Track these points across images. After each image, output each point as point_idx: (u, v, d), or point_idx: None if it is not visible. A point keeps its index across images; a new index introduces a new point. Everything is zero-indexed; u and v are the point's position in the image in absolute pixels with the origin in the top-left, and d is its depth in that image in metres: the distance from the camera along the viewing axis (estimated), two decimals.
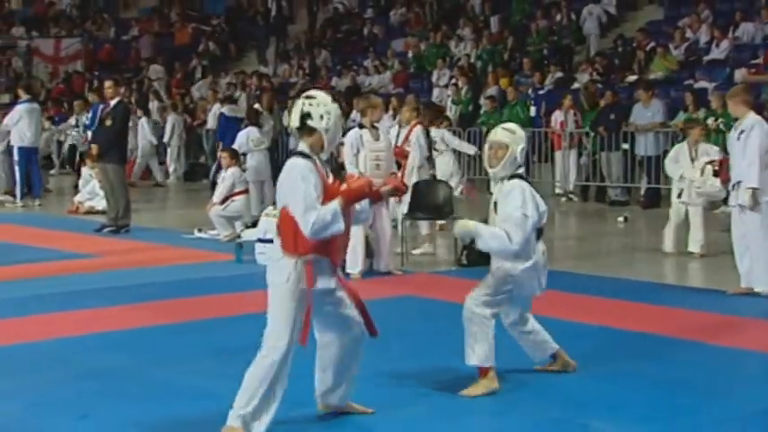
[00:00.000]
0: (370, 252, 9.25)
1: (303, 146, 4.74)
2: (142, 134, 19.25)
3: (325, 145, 4.75)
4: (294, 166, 4.66)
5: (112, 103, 12.54)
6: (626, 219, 13.29)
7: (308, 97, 4.81)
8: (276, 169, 13.27)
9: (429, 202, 10.17)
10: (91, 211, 14.35)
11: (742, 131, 8.01)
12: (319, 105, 4.73)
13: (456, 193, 12.41)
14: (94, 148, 12.66)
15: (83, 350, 6.57)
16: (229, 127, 17.53)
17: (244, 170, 12.24)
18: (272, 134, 14.25)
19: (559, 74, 18.54)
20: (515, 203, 5.31)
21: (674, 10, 19.56)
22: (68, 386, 5.73)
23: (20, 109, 15.63)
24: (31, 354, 6.51)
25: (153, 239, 11.89)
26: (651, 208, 14.46)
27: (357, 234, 9.01)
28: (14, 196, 15.91)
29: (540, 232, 5.51)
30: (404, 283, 8.82)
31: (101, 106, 16.14)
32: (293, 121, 4.81)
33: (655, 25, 19.48)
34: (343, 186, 4.70)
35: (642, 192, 15.08)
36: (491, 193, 5.75)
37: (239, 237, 10.82)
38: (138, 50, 28.11)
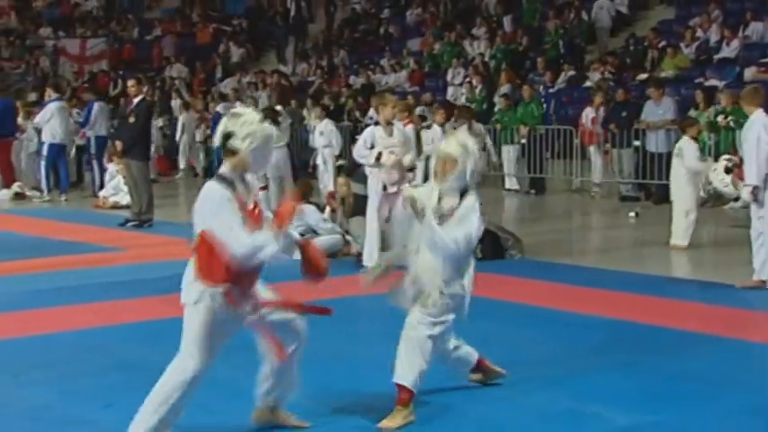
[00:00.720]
0: (385, 246, 9.47)
1: (225, 167, 4.44)
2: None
3: (250, 166, 4.45)
4: (211, 192, 4.40)
5: (135, 101, 12.86)
6: (637, 214, 13.45)
7: (233, 116, 4.47)
8: (294, 165, 13.68)
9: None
10: (115, 206, 14.64)
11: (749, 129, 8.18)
12: (244, 125, 4.40)
13: None
14: (118, 145, 12.97)
15: (109, 341, 6.69)
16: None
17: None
18: (290, 131, 14.50)
19: (572, 72, 18.80)
20: (471, 221, 4.95)
21: (685, 9, 19.77)
22: (94, 376, 5.83)
23: (51, 107, 16.09)
24: (60, 344, 6.63)
25: (175, 233, 11.82)
26: (662, 204, 14.75)
27: (373, 228, 9.29)
28: (41, 191, 16.38)
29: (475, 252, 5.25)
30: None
31: (95, 104, 16.73)
32: (216, 139, 4.54)
33: (666, 24, 19.68)
34: (276, 216, 4.54)
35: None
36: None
37: None
38: (161, 50, 28.56)
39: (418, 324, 4.96)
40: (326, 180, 13.12)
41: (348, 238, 10.26)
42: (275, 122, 13.64)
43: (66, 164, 16.85)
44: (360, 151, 9.32)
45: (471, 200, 4.98)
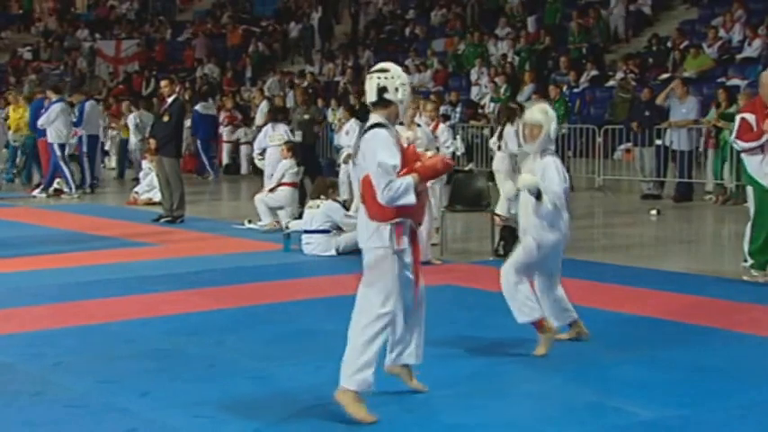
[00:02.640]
0: None
1: (378, 117, 4.85)
2: (130, 131, 19.87)
3: (400, 115, 4.93)
4: (375, 135, 4.78)
5: (169, 100, 13.07)
6: (659, 212, 13.61)
7: (382, 71, 4.90)
8: (316, 163, 13.91)
9: (467, 195, 10.45)
10: (149, 203, 14.91)
11: None
12: (394, 78, 4.86)
13: None
14: (152, 143, 13.21)
15: (145, 332, 6.78)
16: (202, 123, 18.62)
17: (299, 164, 12.55)
18: (312, 128, 14.66)
19: (594, 72, 18.96)
20: (552, 174, 5.90)
21: (708, 9, 19.81)
22: (131, 365, 5.90)
23: (55, 108, 16.44)
24: (98, 334, 6.76)
25: (205, 229, 12.25)
26: (683, 202, 14.88)
27: None
28: (69, 189, 16.70)
29: (566, 204, 6.11)
30: (442, 273, 8.85)
31: (86, 104, 17.14)
32: (369, 95, 4.87)
33: (689, 24, 19.73)
34: (418, 163, 4.85)
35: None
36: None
37: (287, 227, 11.24)
38: (192, 51, 28.94)
39: (507, 274, 5.96)
40: (343, 175, 13.27)
41: None
42: (277, 122, 13.70)
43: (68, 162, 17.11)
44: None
45: (549, 159, 5.92)
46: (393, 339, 5.08)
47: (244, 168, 21.12)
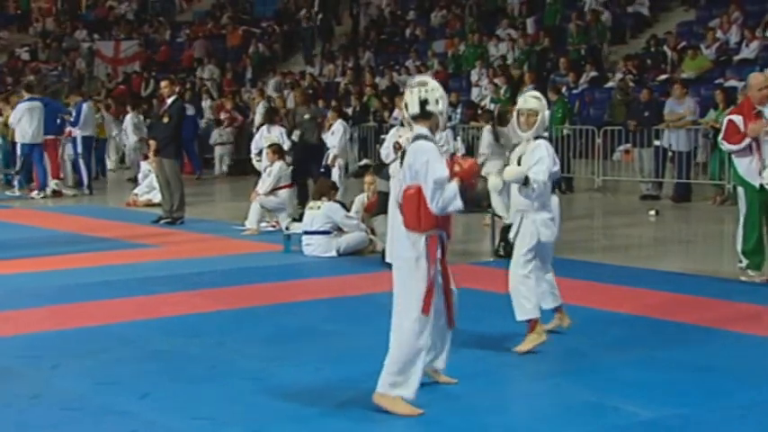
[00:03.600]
0: None
1: (422, 129, 5.04)
2: (128, 131, 19.93)
3: (441, 125, 5.16)
4: (424, 148, 4.96)
5: (169, 101, 13.00)
6: (657, 212, 13.62)
7: (421, 84, 5.10)
8: (318, 164, 13.91)
9: (468, 197, 10.55)
10: (148, 204, 14.89)
11: None
12: (434, 90, 5.07)
13: None
14: (152, 144, 13.12)
15: (144, 333, 6.79)
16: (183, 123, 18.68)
17: (289, 165, 12.59)
18: (311, 129, 14.66)
19: (594, 73, 18.99)
20: (541, 155, 6.07)
21: (706, 11, 19.88)
22: (131, 367, 5.92)
23: (21, 107, 16.46)
24: (98, 336, 6.75)
25: (206, 231, 12.24)
26: (681, 202, 14.90)
27: (393, 224, 9.50)
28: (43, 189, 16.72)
29: (554, 187, 6.34)
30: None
31: (84, 105, 17.16)
32: (411, 108, 5.05)
33: (686, 26, 19.82)
34: (456, 167, 5.02)
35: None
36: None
37: (287, 229, 11.27)
38: (192, 52, 28.97)
39: (516, 268, 6.10)
40: (335, 177, 13.24)
41: (372, 237, 10.46)
42: (272, 124, 13.83)
43: (41, 162, 17.12)
44: (386, 152, 9.52)
45: (540, 143, 6.11)
46: (430, 342, 5.20)
47: (217, 169, 21.21)
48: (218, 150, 21.49)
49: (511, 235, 6.39)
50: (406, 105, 5.14)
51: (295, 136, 13.72)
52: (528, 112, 6.15)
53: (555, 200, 6.33)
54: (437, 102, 5.06)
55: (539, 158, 6.06)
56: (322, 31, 26.71)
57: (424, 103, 5.04)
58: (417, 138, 5.04)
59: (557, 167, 6.23)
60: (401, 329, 4.96)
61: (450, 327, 5.23)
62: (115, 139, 21.81)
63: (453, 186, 4.93)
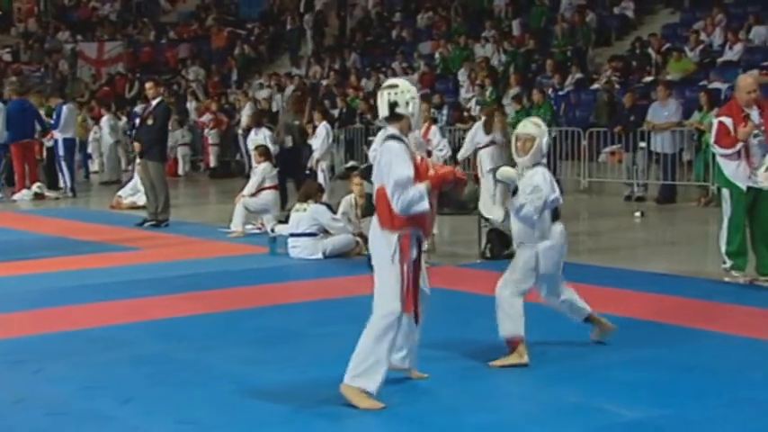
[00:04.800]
0: None
1: (393, 130, 5.12)
2: (103, 133, 19.90)
3: (412, 126, 5.20)
4: (390, 148, 5.04)
5: (154, 103, 12.97)
6: (642, 214, 13.63)
7: (391, 87, 5.18)
8: (301, 167, 13.90)
9: (454, 198, 10.55)
10: (132, 207, 14.84)
11: None
12: (404, 92, 5.13)
13: None
14: (137, 146, 13.09)
15: (128, 337, 6.74)
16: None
17: (275, 165, 12.61)
18: (300, 133, 14.67)
19: (579, 75, 19.05)
20: (537, 183, 5.89)
21: (690, 13, 19.98)
22: (114, 371, 5.87)
23: None
24: (80, 340, 6.71)
25: (191, 233, 12.21)
26: (666, 203, 14.93)
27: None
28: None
29: (555, 215, 6.10)
30: (430, 276, 9.04)
31: (64, 107, 17.12)
32: (381, 111, 5.16)
33: (671, 28, 19.90)
34: (431, 171, 5.11)
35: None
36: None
37: (272, 231, 11.25)
38: (177, 53, 28.88)
39: (503, 288, 5.95)
40: (320, 180, 13.23)
41: (359, 239, 10.46)
42: (260, 127, 13.88)
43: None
44: (374, 154, 9.52)
45: (538, 170, 5.94)
46: (400, 341, 5.29)
47: (180, 169, 21.20)
48: (180, 150, 21.50)
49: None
50: (378, 108, 5.23)
51: (288, 142, 13.76)
52: (525, 138, 5.99)
53: (558, 228, 6.09)
54: (407, 104, 5.12)
55: (534, 186, 5.89)
56: (315, 31, 26.63)
57: (393, 105, 5.12)
58: (387, 138, 5.12)
59: (555, 195, 6.01)
60: (371, 323, 5.07)
61: (416, 323, 5.27)
62: (99, 142, 21.71)
63: (419, 188, 4.98)
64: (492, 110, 12.99)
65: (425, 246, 5.52)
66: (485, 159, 12.21)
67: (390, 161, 5.00)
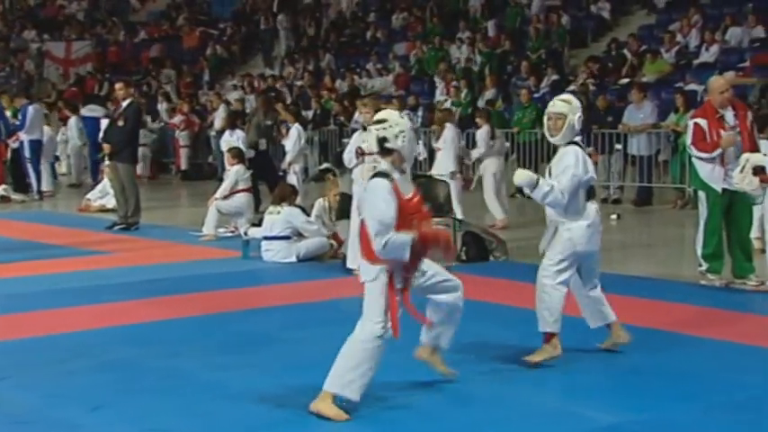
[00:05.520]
0: None
1: (385, 165, 5.11)
2: (70, 135, 19.68)
3: (405, 158, 5.15)
4: (375, 186, 5.02)
5: (124, 104, 12.81)
6: (619, 216, 13.61)
7: (379, 122, 5.18)
8: (273, 170, 13.75)
9: (428, 201, 10.45)
10: (102, 210, 14.68)
11: None
12: (392, 127, 5.11)
13: None
14: (107, 148, 12.89)
15: (97, 343, 6.66)
16: (88, 125, 18.40)
17: (248, 168, 12.49)
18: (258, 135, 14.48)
19: (555, 77, 19.00)
20: (568, 163, 5.77)
21: (666, 15, 20.04)
22: (82, 378, 5.81)
23: None
24: (47, 346, 6.63)
25: (162, 237, 12.10)
26: (643, 206, 14.89)
27: (356, 232, 9.37)
28: None
29: (591, 193, 5.97)
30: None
31: (29, 108, 16.95)
32: (372, 147, 5.24)
33: (647, 30, 19.95)
34: (426, 226, 5.12)
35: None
36: None
37: (245, 234, 11.19)
38: (147, 53, 28.61)
39: (544, 277, 5.88)
40: (293, 182, 13.13)
41: (333, 242, 10.34)
42: (233, 129, 13.82)
43: None
44: (348, 157, 9.40)
45: (569, 149, 5.83)
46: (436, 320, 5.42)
47: (140, 169, 20.92)
48: (140, 151, 21.16)
49: (541, 246, 6.11)
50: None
51: (262, 145, 13.69)
52: (555, 116, 5.85)
53: (592, 207, 5.95)
54: (396, 137, 5.09)
55: (565, 167, 5.77)
56: (294, 31, 26.46)
57: (382, 141, 5.11)
58: (375, 175, 5.11)
59: (589, 175, 5.87)
60: (354, 338, 5.06)
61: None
62: (66, 144, 21.40)
63: (404, 239, 4.92)
64: (443, 117, 12.89)
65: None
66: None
67: (374, 201, 4.99)
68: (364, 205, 5.14)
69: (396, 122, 5.14)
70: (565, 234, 5.88)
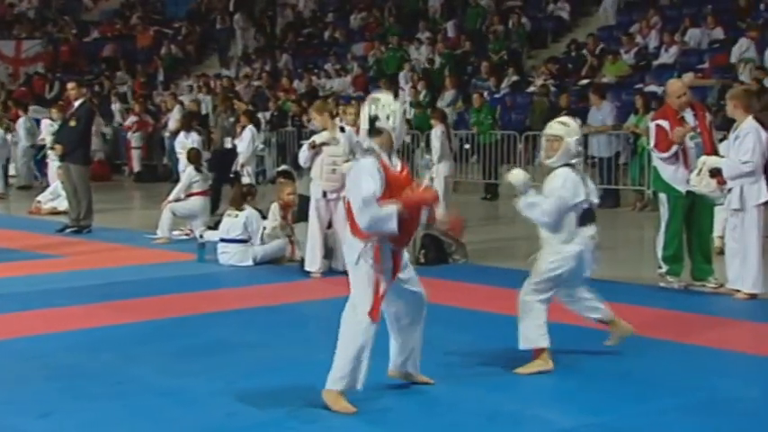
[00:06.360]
0: (328, 252, 9.45)
1: (373, 144, 5.12)
2: (19, 135, 19.42)
3: (394, 141, 5.16)
4: (360, 164, 5.08)
5: (76, 104, 12.63)
6: None
7: (373, 101, 5.18)
8: (229, 171, 13.57)
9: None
10: (53, 212, 14.44)
11: (737, 136, 8.02)
12: (384, 107, 5.13)
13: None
14: (58, 149, 12.73)
15: (47, 349, 6.57)
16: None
17: (209, 169, 12.29)
18: (222, 135, 14.31)
19: (515, 78, 18.99)
20: (555, 185, 5.73)
21: (626, 16, 20.15)
22: (31, 385, 5.73)
23: None
24: None
25: (115, 240, 11.96)
26: (610, 208, 14.87)
27: (315, 234, 9.27)
28: None
29: (586, 218, 5.85)
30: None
31: None
32: (363, 124, 5.17)
33: (606, 31, 20.03)
34: (407, 191, 5.09)
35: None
36: None
37: (200, 237, 10.98)
38: (100, 53, 28.20)
39: (526, 294, 5.82)
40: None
41: (290, 245, 10.19)
42: (189, 131, 13.73)
43: None
44: (303, 156, 9.30)
45: (560, 172, 5.76)
46: (396, 347, 5.41)
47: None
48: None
49: (530, 264, 6.03)
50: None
51: (228, 143, 13.67)
52: (552, 139, 5.81)
53: (587, 233, 5.86)
54: (387, 118, 5.11)
55: (551, 189, 5.73)
56: (257, 30, 26.23)
57: (373, 119, 5.12)
58: (365, 152, 5.14)
59: (580, 198, 5.77)
60: (343, 329, 5.09)
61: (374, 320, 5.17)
62: (15, 145, 20.99)
63: (389, 209, 4.95)
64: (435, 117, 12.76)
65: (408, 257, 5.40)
66: None
67: (359, 177, 5.02)
68: (349, 184, 5.15)
69: (388, 103, 5.17)
70: (551, 257, 5.84)
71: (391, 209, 4.94)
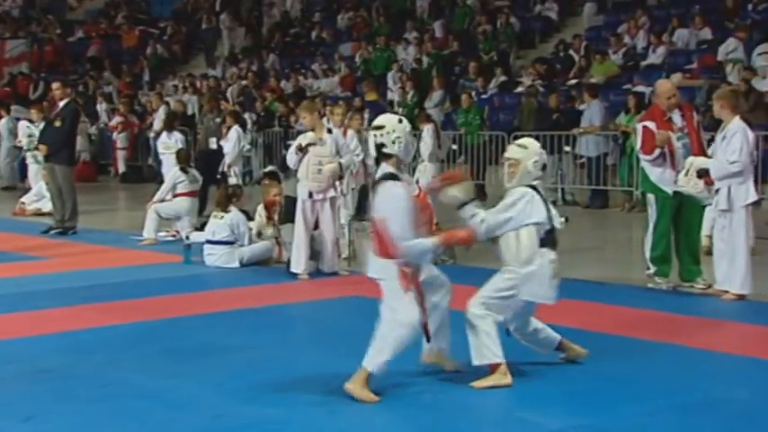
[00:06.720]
0: (314, 253, 9.41)
1: (388, 168, 5.36)
2: (2, 135, 19.32)
3: (403, 161, 5.46)
4: (394, 191, 5.25)
5: (61, 104, 12.55)
6: (567, 219, 13.58)
7: (377, 128, 5.40)
8: (215, 172, 13.52)
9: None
10: (37, 213, 14.36)
11: (724, 137, 8.01)
12: (389, 133, 5.35)
13: None
14: (43, 149, 12.65)
15: (32, 351, 6.54)
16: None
17: (185, 171, 12.19)
18: (207, 135, 14.24)
19: (503, 78, 18.98)
20: (505, 202, 5.64)
21: (614, 16, 20.17)
22: (16, 387, 5.70)
23: None
24: None
25: (100, 241, 11.92)
26: (599, 209, 14.87)
27: (301, 235, 9.22)
28: None
29: (547, 241, 5.64)
30: (349, 284, 8.86)
31: None
32: (372, 152, 5.46)
33: (594, 31, 20.06)
34: (449, 235, 5.44)
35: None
36: None
37: (187, 238, 10.91)
38: (85, 52, 28.07)
39: (473, 307, 5.71)
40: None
41: (276, 246, 10.16)
42: (171, 131, 13.71)
43: None
44: (291, 157, 9.28)
45: (516, 190, 5.69)
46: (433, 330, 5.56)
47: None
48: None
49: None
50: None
51: (213, 144, 13.60)
52: (510, 162, 5.72)
53: (545, 257, 5.63)
54: (394, 143, 5.35)
55: (498, 207, 5.64)
56: (247, 29, 26.14)
57: (380, 146, 5.36)
58: (385, 177, 5.32)
59: (535, 219, 5.57)
60: (387, 329, 5.26)
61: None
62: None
63: (427, 245, 5.25)
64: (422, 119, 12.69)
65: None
66: None
67: (396, 206, 5.20)
68: (382, 207, 5.28)
69: (393, 128, 5.37)
70: (506, 275, 5.67)
71: (426, 246, 5.25)
